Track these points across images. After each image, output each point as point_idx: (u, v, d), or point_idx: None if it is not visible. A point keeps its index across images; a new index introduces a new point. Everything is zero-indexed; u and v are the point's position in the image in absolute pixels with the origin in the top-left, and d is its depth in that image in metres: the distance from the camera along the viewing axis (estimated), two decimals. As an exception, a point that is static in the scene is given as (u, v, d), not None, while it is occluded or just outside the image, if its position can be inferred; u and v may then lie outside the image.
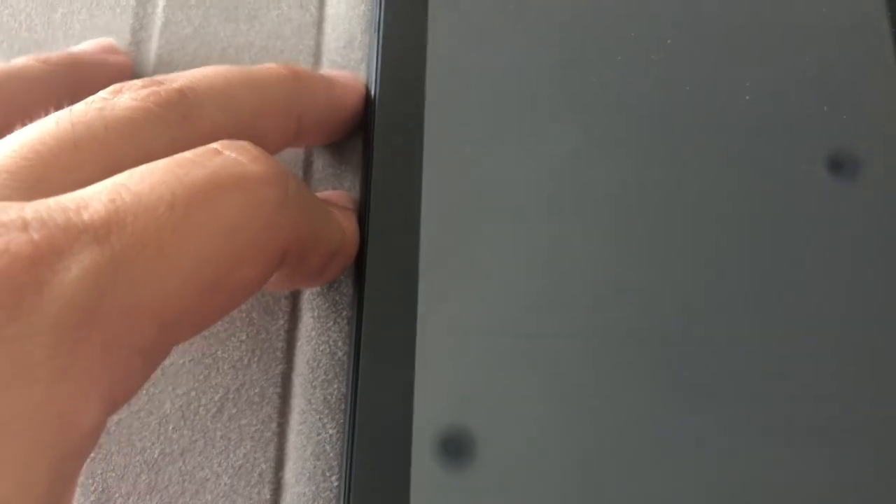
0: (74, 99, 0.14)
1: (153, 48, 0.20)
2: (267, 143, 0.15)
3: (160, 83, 0.14)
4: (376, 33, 0.19)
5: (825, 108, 0.17)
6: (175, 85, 0.14)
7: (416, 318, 0.16)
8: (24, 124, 0.13)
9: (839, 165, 0.17)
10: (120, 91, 0.14)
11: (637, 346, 0.16)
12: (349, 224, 0.16)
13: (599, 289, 0.16)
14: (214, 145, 0.13)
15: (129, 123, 0.13)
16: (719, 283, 0.16)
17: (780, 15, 0.18)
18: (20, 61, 0.17)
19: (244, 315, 0.17)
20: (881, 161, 0.17)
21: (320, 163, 0.19)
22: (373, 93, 0.18)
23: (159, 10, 0.20)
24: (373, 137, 0.18)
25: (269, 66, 0.17)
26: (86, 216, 0.11)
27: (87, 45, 0.19)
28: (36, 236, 0.11)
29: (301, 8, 0.20)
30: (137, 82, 0.14)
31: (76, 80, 0.17)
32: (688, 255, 0.16)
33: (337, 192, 0.18)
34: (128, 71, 0.19)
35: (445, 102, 0.18)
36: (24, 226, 0.11)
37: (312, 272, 0.16)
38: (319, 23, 0.20)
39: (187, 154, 0.13)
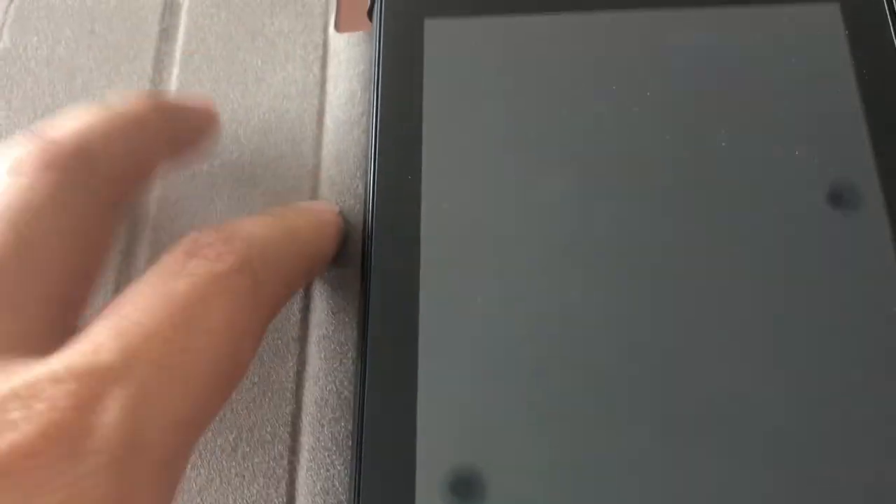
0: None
1: (168, 111, 0.21)
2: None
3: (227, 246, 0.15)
4: (375, 90, 0.20)
5: (796, 152, 0.18)
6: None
7: (417, 359, 0.17)
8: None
9: (811, 206, 0.18)
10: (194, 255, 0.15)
11: (637, 385, 0.17)
12: (324, 228, 0.18)
13: (599, 331, 0.17)
14: (182, 249, 0.15)
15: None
16: (707, 320, 0.17)
17: (750, 67, 0.19)
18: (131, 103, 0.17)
19: (256, 359, 0.19)
20: (847, 200, 0.18)
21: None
22: (372, 147, 0.19)
23: (174, 76, 0.22)
24: (373, 189, 0.19)
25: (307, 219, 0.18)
26: (104, 357, 0.12)
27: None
28: (73, 387, 0.12)
29: (305, 69, 0.22)
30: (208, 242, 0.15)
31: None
32: (675, 293, 0.18)
33: (317, 202, 0.20)
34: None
35: (442, 154, 0.19)
36: (59, 379, 0.12)
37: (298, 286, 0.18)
38: (322, 82, 0.21)
39: (164, 268, 0.14)
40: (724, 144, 0.19)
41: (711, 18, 0.20)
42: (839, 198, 0.18)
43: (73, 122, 0.16)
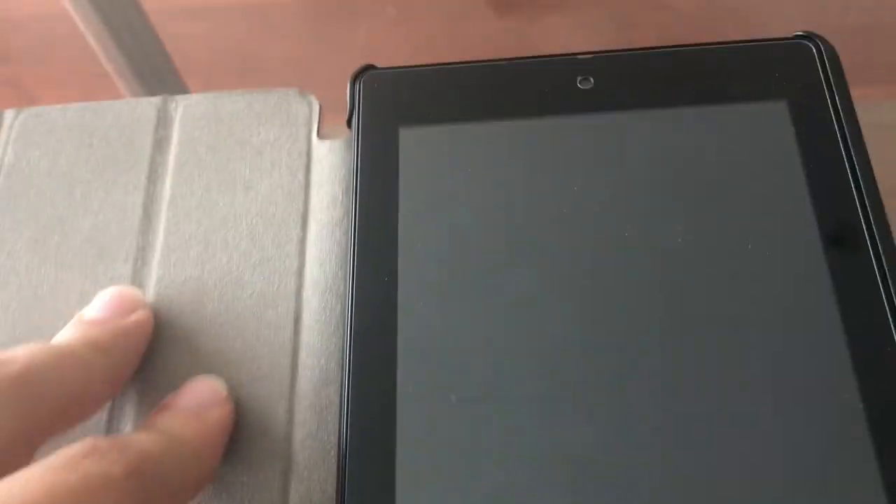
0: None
1: (163, 220, 0.23)
2: None
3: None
4: (353, 194, 0.21)
5: (748, 245, 0.20)
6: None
7: (395, 465, 0.18)
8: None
9: (764, 298, 0.19)
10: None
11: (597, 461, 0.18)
12: (211, 434, 0.19)
13: (566, 416, 0.18)
14: (80, 448, 0.16)
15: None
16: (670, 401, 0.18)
17: (704, 166, 0.21)
18: (66, 342, 0.19)
19: (244, 461, 0.20)
20: (798, 293, 0.19)
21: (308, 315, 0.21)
22: (351, 249, 0.20)
23: (167, 186, 0.23)
24: (352, 291, 0.20)
25: None
26: None
27: (108, 300, 0.20)
28: None
29: (290, 175, 0.23)
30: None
31: (122, 360, 0.20)
32: (638, 376, 0.19)
33: (202, 384, 0.20)
34: (149, 326, 0.21)
35: (416, 255, 0.20)
36: None
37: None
38: (306, 187, 0.23)
39: (59, 459, 0.15)
40: (680, 241, 0.20)
41: (666, 119, 0.21)
42: (790, 290, 0.19)
43: (22, 353, 0.17)
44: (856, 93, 0.21)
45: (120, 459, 0.16)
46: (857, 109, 0.21)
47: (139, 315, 0.20)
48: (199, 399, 0.19)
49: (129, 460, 0.16)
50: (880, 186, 0.20)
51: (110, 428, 0.20)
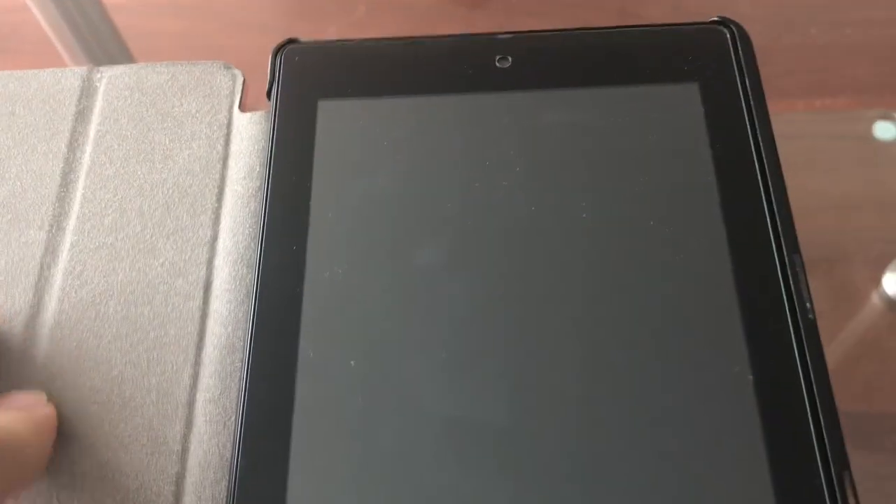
0: None
1: (80, 188, 0.23)
2: None
3: None
4: (268, 165, 0.21)
5: (651, 222, 0.20)
6: None
7: (292, 425, 0.18)
8: None
9: (664, 273, 0.19)
10: None
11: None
12: (44, 434, 0.19)
13: (465, 386, 0.18)
14: None
15: None
16: (568, 385, 0.18)
17: (612, 144, 0.21)
18: None
19: (146, 422, 0.20)
20: (698, 269, 0.19)
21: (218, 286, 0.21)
22: (262, 218, 0.21)
23: (86, 155, 0.23)
24: (260, 259, 0.20)
25: None
26: None
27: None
28: None
29: (209, 146, 0.23)
30: None
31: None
32: (532, 348, 0.19)
33: (22, 394, 0.20)
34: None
35: (327, 225, 0.20)
36: None
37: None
38: (225, 158, 0.23)
39: None
40: (585, 216, 0.20)
41: (581, 99, 0.22)
42: (691, 265, 0.19)
43: None
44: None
45: None
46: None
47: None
48: (24, 402, 0.19)
49: None
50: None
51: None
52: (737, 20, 0.23)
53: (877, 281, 0.40)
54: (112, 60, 0.53)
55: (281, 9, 0.76)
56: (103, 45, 0.52)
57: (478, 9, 0.73)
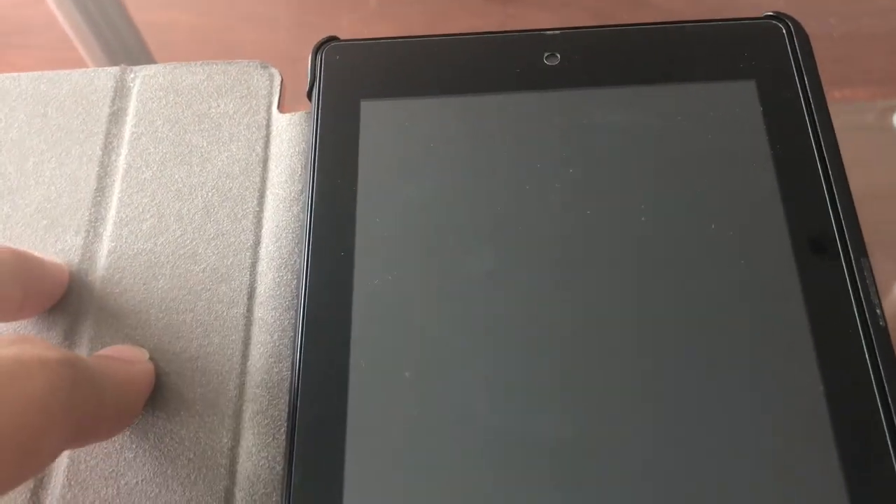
0: None
1: (116, 192, 0.22)
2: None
3: None
4: (311, 167, 0.21)
5: (712, 226, 0.19)
6: None
7: (345, 437, 0.17)
8: None
9: (727, 276, 0.19)
10: None
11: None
12: (135, 378, 0.19)
13: (522, 396, 0.18)
14: (11, 336, 0.16)
15: None
16: (631, 396, 0.18)
17: (669, 144, 0.20)
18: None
19: (192, 434, 0.19)
20: (763, 273, 0.19)
21: (264, 284, 0.21)
22: (307, 223, 0.20)
23: (122, 158, 0.22)
24: (307, 265, 0.19)
25: None
26: None
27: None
28: None
29: (248, 149, 0.22)
30: None
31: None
32: (590, 358, 0.18)
33: (125, 347, 0.20)
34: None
35: (374, 229, 0.20)
36: None
37: (105, 431, 0.18)
38: (265, 161, 0.22)
39: None
40: (643, 219, 0.19)
41: (634, 97, 0.21)
42: (755, 269, 0.19)
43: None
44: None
45: (54, 350, 0.16)
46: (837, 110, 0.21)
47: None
48: (126, 354, 0.20)
49: (63, 353, 0.16)
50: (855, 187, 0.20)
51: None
52: (751, 11, 0.22)
53: (902, 273, 0.40)
54: (128, 54, 0.52)
55: (294, 1, 0.75)
56: (121, 38, 0.52)
57: (491, 0, 0.72)
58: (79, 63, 0.51)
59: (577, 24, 0.22)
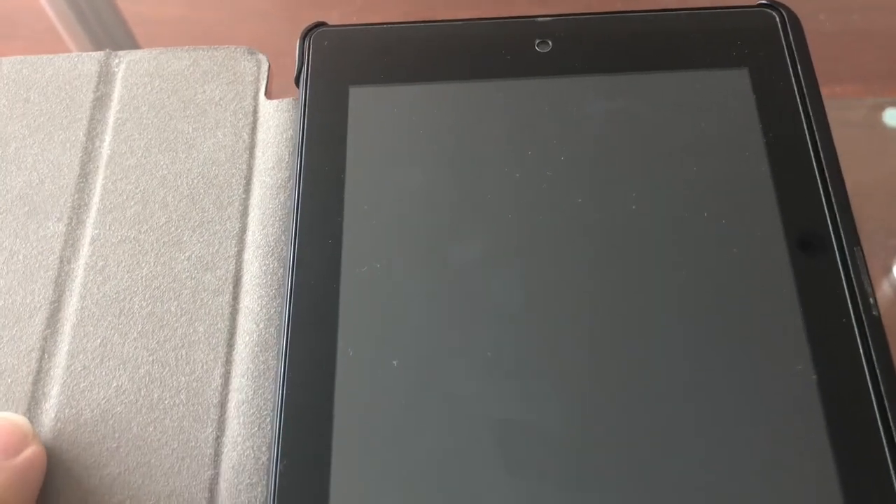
0: None
1: (100, 179, 0.22)
2: None
3: None
4: (299, 154, 0.20)
5: (704, 214, 0.19)
6: None
7: (332, 429, 0.17)
8: None
9: (718, 263, 0.18)
10: None
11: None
12: (14, 482, 0.17)
13: (511, 385, 0.18)
14: None
15: None
16: (617, 387, 0.18)
17: (661, 132, 0.20)
18: None
19: (176, 424, 0.19)
20: (755, 259, 0.18)
21: (249, 276, 0.20)
22: (294, 210, 0.20)
23: (106, 144, 0.22)
24: (293, 253, 0.19)
25: None
26: None
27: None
28: None
29: (235, 135, 0.22)
30: None
31: None
32: (580, 350, 0.18)
33: (3, 423, 0.18)
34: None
35: (362, 217, 0.20)
36: None
37: None
38: (251, 148, 0.22)
39: None
40: (634, 207, 0.19)
41: (627, 85, 0.21)
42: (748, 258, 0.18)
43: None
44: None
45: None
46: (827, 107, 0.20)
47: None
48: (3, 437, 0.17)
49: None
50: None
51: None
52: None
53: (887, 270, 0.40)
54: (116, 45, 0.52)
55: (281, -6, 0.75)
56: (107, 29, 0.51)
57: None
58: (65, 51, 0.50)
59: (570, 11, 0.22)
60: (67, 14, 0.50)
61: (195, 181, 0.21)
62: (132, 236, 0.21)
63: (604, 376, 0.17)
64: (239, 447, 0.18)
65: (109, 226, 0.21)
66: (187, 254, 0.20)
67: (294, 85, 0.22)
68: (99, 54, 0.23)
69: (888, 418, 0.16)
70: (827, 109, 0.21)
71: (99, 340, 0.20)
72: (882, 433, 0.16)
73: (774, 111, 0.20)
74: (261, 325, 0.20)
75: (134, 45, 0.53)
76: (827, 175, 0.19)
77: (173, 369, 0.19)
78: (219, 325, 0.20)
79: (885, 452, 0.16)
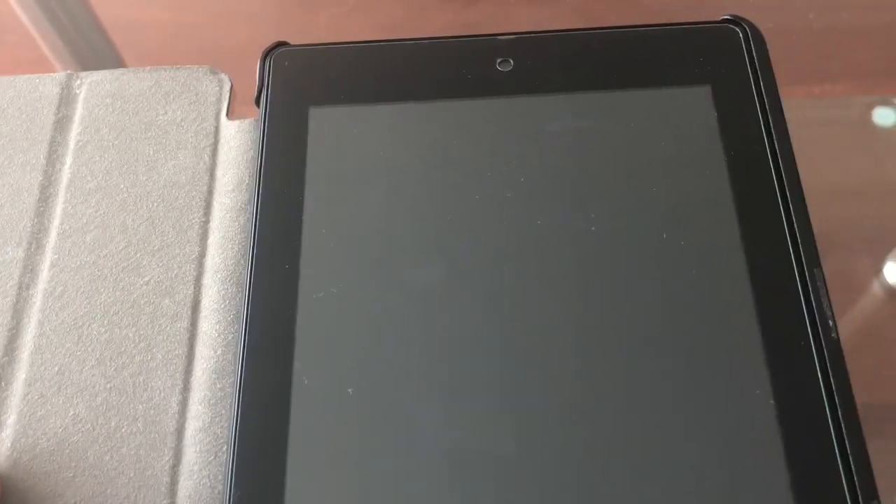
0: None
1: (59, 203, 0.21)
2: None
3: None
4: (258, 176, 0.20)
5: (664, 234, 0.19)
6: None
7: (286, 456, 0.17)
8: None
9: (677, 282, 0.18)
10: None
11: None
12: None
13: (469, 411, 0.17)
14: None
15: None
16: (580, 405, 0.17)
17: (622, 150, 0.20)
18: None
19: (132, 453, 0.18)
20: (714, 277, 0.18)
21: (209, 300, 0.20)
22: (252, 231, 0.19)
23: (66, 167, 0.22)
24: (251, 274, 0.19)
25: None
26: None
27: None
28: None
29: (196, 157, 0.22)
30: None
31: None
32: (538, 372, 0.18)
33: None
34: None
35: (321, 240, 0.19)
36: None
37: None
38: (212, 169, 0.22)
39: None
40: (593, 229, 0.19)
41: (588, 103, 0.20)
42: (707, 278, 0.18)
43: None
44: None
45: None
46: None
47: None
48: None
49: None
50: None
51: (-8, 421, 0.19)
52: (733, 6, 0.22)
53: (877, 269, 0.39)
54: (95, 53, 0.51)
55: (271, -3, 0.74)
56: (85, 37, 0.51)
57: (472, -5, 0.71)
58: (42, 62, 0.50)
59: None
60: (42, 20, 0.50)
61: (155, 204, 0.21)
62: (91, 261, 0.21)
63: (563, 403, 0.17)
64: (195, 476, 0.18)
65: (69, 251, 0.21)
66: (146, 278, 0.20)
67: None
68: (61, 75, 0.23)
69: (844, 441, 0.16)
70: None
71: (56, 368, 0.19)
72: (838, 456, 0.16)
73: (736, 129, 0.20)
74: (218, 351, 0.19)
75: (113, 50, 0.53)
76: (788, 194, 0.19)
77: (131, 397, 0.19)
78: (177, 352, 0.19)
79: (840, 476, 0.16)
